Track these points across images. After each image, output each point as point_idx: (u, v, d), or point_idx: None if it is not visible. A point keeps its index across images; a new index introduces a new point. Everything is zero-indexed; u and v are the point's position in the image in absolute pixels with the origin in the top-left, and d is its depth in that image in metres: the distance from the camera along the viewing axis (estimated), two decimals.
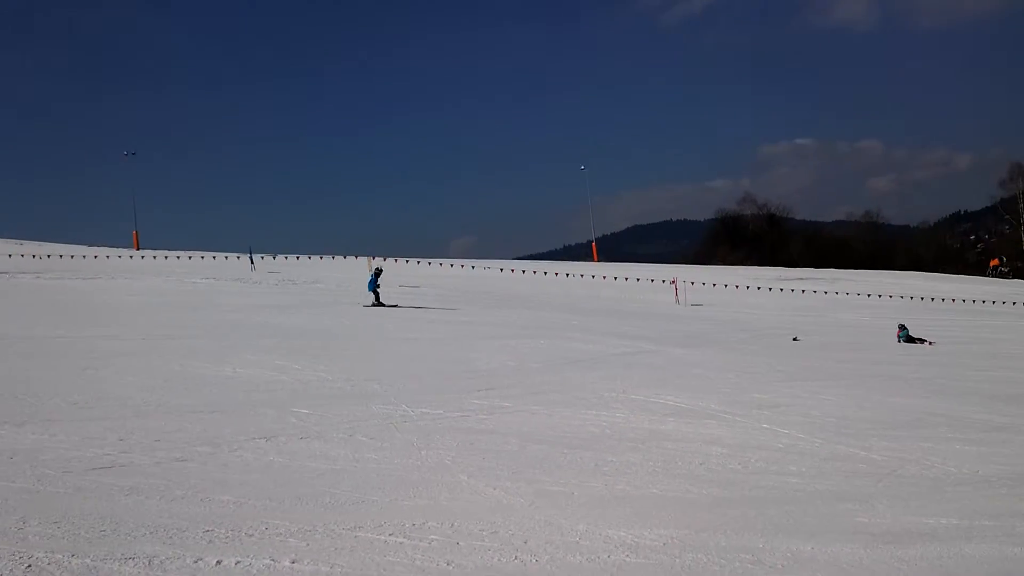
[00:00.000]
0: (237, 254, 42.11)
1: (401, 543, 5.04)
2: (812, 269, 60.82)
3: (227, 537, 5.00)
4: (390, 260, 44.67)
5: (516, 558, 4.90)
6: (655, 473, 7.13)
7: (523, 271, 46.82)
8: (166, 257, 41.35)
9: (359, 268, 35.86)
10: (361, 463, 7.07)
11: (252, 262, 37.71)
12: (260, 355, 13.38)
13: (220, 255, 43.13)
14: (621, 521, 5.64)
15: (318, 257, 45.52)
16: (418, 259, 48.58)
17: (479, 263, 48.80)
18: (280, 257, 43.96)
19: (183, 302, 22.75)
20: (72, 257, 38.35)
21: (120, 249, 46.53)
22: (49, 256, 37.50)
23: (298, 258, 44.76)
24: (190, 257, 41.98)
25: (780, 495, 6.57)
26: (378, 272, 23.86)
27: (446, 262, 48.34)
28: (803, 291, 41.59)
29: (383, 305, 23.18)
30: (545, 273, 45.26)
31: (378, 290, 23.39)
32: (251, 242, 67.61)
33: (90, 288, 26.20)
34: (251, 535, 5.06)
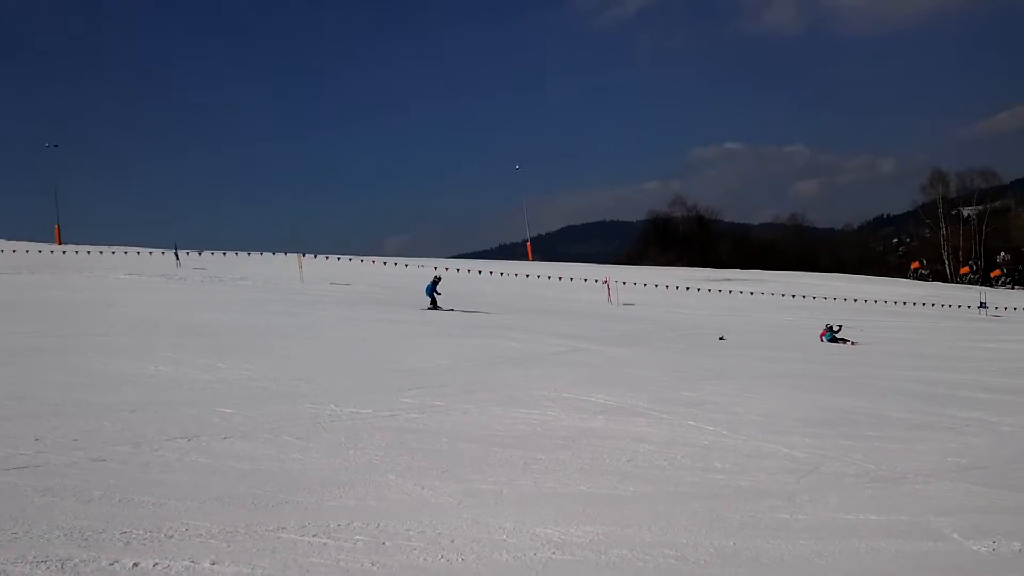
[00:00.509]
0: (162, 250, 40.93)
1: (325, 544, 4.95)
2: (739, 270, 62.24)
3: (145, 539, 4.84)
4: (320, 257, 44.06)
5: (442, 557, 4.86)
6: (584, 470, 7.17)
7: (457, 269, 46.69)
8: (88, 252, 39.89)
9: (288, 265, 35.25)
10: (286, 463, 6.92)
11: (177, 258, 36.71)
12: (184, 353, 13.00)
13: (145, 251, 41.85)
14: (549, 518, 5.65)
15: (245, 253, 44.57)
16: (350, 256, 48.02)
17: (413, 261, 48.49)
18: (207, 253, 42.90)
19: (105, 299, 21.97)
20: None
21: (41, 244, 44.70)
22: None
23: (224, 254, 43.75)
24: (113, 252, 40.62)
25: (705, 491, 6.67)
26: (436, 280, 25.16)
27: (379, 259, 47.87)
28: (730, 292, 42.50)
29: (440, 309, 24.12)
30: (480, 272, 45.24)
31: (435, 296, 24.48)
32: (177, 238, 65.86)
33: (9, 283, 25.12)
34: (170, 536, 4.91)
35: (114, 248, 42.67)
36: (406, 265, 45.39)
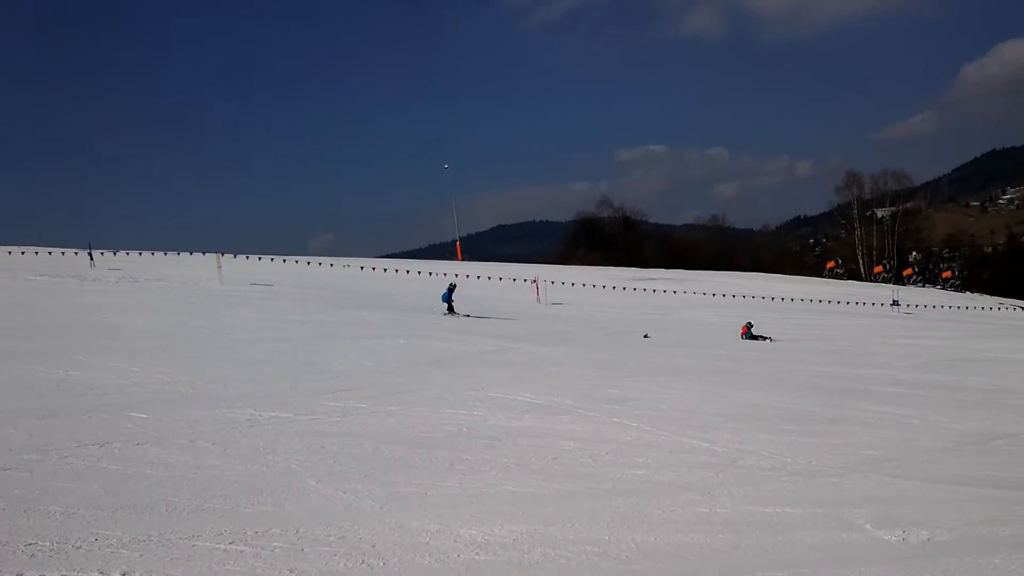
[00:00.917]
0: (75, 250, 39.35)
1: (242, 551, 4.82)
2: (663, 270, 63.38)
3: (52, 550, 4.64)
4: (241, 257, 43.09)
5: (363, 562, 4.79)
6: (509, 470, 7.17)
7: (384, 269, 46.27)
8: None
9: (207, 265, 34.31)
10: (202, 470, 6.71)
11: (91, 258, 35.34)
12: (96, 356, 12.49)
13: (57, 251, 40.18)
14: (473, 519, 5.63)
15: (162, 253, 43.26)
16: (272, 256, 47.07)
17: (339, 260, 47.84)
18: (122, 253, 41.46)
19: (13, 300, 21.00)
20: None
21: None
22: None
23: (141, 254, 42.37)
24: (23, 252, 38.89)
25: (627, 487, 6.75)
26: (452, 287, 25.69)
27: (303, 259, 47.06)
28: (655, 291, 43.24)
29: (457, 314, 24.67)
30: (408, 271, 44.92)
31: (451, 302, 25.08)
32: (91, 237, 63.42)
33: None
34: (79, 547, 4.72)
35: (24, 248, 40.85)
36: (331, 265, 44.77)
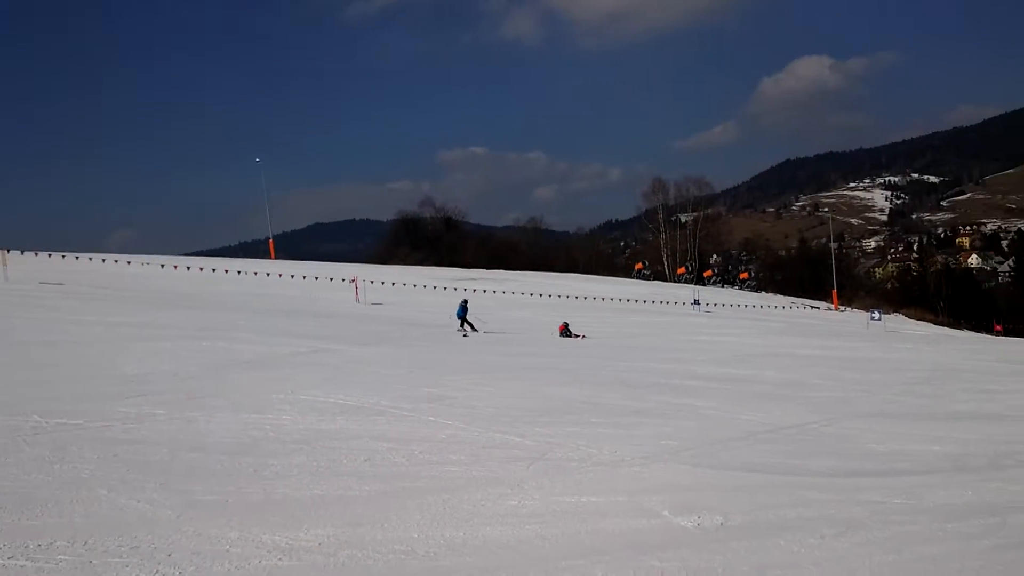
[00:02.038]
0: None
1: (23, 566, 4.45)
2: (484, 270, 64.28)
3: None
4: (29, 254, 39.49)
5: (157, 572, 4.53)
6: (319, 473, 6.98)
7: (188, 267, 43.85)
8: None
9: None
10: None
11: None
12: None
13: None
14: (277, 525, 5.43)
15: None
16: (64, 253, 43.39)
17: (137, 258, 44.84)
18: None
19: None
20: None
21: None
22: None
23: None
24: None
25: (439, 484, 6.76)
26: (465, 303, 25.40)
27: (98, 257, 43.72)
28: (476, 291, 43.78)
29: (476, 330, 24.30)
30: (214, 270, 42.82)
31: (466, 319, 24.58)
32: None
33: None
34: None
35: None
36: (128, 262, 41.87)
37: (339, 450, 7.89)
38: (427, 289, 42.93)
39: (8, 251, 31.70)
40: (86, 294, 26.24)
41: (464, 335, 22.91)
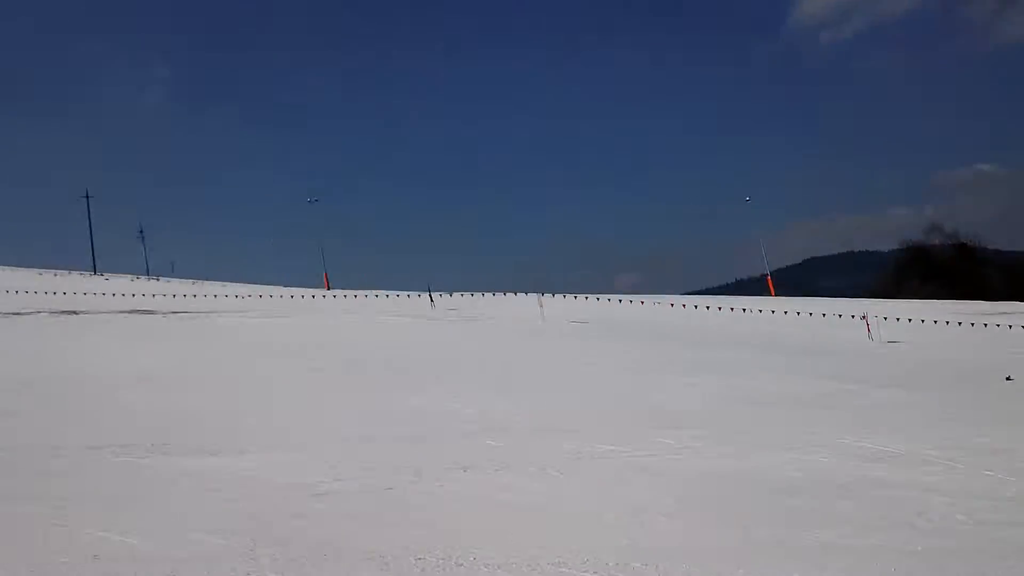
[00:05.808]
0: (418, 293, 43.77)
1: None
2: (1016, 303, 55.57)
3: (437, 565, 5.08)
4: (558, 296, 44.87)
5: None
6: (869, 523, 6.63)
7: (695, 305, 45.68)
8: (355, 296, 43.73)
9: (528, 304, 36.24)
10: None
11: (432, 300, 39.10)
12: (441, 387, 13.74)
13: (403, 294, 44.99)
14: (838, 571, 5.27)
15: (491, 294, 46.47)
16: (587, 295, 48.50)
17: (647, 298, 48.08)
18: (456, 295, 45.27)
19: (372, 338, 23.81)
20: (271, 297, 41.39)
21: (313, 289, 49.82)
22: (249, 296, 40.68)
23: (472, 295, 45.97)
24: (377, 296, 44.07)
25: (1008, 550, 5.91)
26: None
27: (615, 298, 47.90)
28: (1011, 327, 38.06)
29: None
30: (708, 307, 43.97)
31: None
32: (431, 281, 69.92)
33: (289, 325, 28.05)
34: (461, 564, 5.11)
35: (376, 292, 46.31)
36: (641, 302, 45.13)
37: (888, 500, 7.41)
38: (948, 326, 38.50)
39: (543, 295, 36.72)
40: (603, 333, 29.09)
41: (1009, 378, 19.92)
